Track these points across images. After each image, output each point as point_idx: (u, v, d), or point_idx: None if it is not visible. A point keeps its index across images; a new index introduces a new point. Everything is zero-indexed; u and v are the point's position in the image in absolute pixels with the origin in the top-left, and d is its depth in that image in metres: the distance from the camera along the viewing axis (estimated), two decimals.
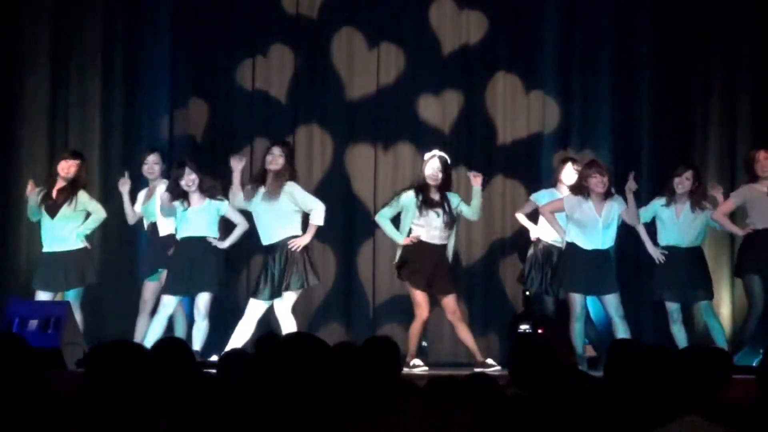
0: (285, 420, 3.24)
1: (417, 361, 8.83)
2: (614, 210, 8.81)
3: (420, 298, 8.88)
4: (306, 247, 8.72)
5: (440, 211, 8.88)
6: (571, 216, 8.81)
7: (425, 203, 8.87)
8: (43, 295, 8.95)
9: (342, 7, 10.47)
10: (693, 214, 8.91)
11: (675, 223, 8.94)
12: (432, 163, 8.92)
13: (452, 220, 8.92)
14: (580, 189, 8.83)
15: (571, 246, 8.84)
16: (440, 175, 8.89)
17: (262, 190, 8.77)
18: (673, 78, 10.25)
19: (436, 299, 8.98)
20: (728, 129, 10.14)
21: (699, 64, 10.25)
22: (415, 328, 8.91)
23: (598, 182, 8.75)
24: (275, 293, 8.67)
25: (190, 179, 8.77)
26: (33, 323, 8.17)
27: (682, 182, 8.92)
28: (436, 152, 9.02)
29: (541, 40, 10.38)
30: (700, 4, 10.27)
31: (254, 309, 8.75)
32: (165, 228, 9.05)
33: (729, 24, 10.22)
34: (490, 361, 8.93)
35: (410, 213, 8.90)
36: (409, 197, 8.92)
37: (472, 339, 9.04)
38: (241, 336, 8.66)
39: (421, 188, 8.91)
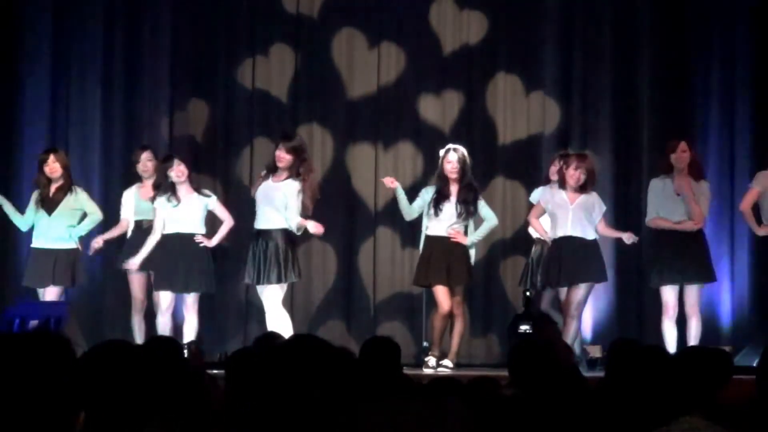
0: (284, 420, 3.24)
1: (431, 360, 8.80)
2: (591, 204, 8.70)
3: (438, 294, 8.85)
4: (292, 245, 8.66)
5: (453, 202, 8.88)
6: (547, 209, 8.81)
7: (440, 195, 8.89)
8: (48, 294, 8.92)
9: (342, 7, 10.47)
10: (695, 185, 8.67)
11: (674, 199, 8.68)
12: (450, 157, 8.91)
13: (466, 213, 8.90)
14: (559, 178, 8.81)
15: (552, 241, 8.83)
16: (458, 167, 8.88)
17: (270, 179, 8.70)
18: (673, 78, 10.25)
19: (453, 291, 8.91)
20: (728, 130, 10.14)
21: (699, 64, 10.25)
22: (435, 320, 8.90)
23: (572, 176, 8.71)
24: (256, 278, 8.62)
25: (179, 170, 8.74)
26: (33, 323, 8.16)
27: (679, 156, 8.70)
28: (452, 146, 9.01)
29: (541, 40, 10.38)
30: (699, 5, 10.28)
31: (269, 295, 8.69)
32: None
33: (728, 25, 10.22)
34: (446, 362, 8.88)
35: (426, 206, 8.93)
36: (428, 191, 8.99)
37: (459, 339, 9.01)
38: (281, 325, 8.40)
39: (440, 182, 8.94)
